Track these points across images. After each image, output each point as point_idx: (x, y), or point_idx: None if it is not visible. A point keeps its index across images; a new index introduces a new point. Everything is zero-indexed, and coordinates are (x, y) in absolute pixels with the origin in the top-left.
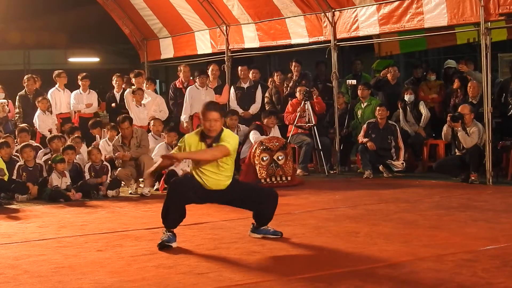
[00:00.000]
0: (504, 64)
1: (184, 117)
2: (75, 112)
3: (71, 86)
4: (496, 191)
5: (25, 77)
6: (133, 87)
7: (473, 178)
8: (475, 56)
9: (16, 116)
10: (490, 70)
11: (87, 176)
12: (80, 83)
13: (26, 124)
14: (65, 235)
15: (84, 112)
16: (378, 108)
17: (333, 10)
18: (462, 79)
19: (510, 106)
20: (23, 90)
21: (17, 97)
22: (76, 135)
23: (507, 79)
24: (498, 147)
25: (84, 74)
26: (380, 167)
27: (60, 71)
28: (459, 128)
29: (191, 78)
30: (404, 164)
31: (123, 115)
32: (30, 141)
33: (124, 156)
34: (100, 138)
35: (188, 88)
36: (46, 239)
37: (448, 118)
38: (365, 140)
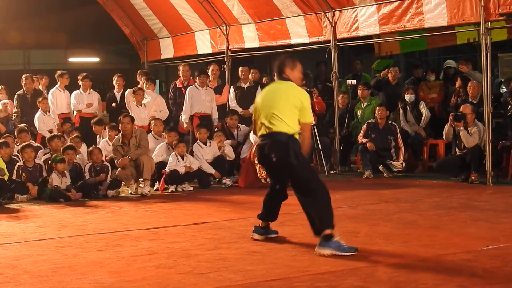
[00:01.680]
0: (504, 64)
1: (184, 118)
2: (75, 112)
3: (72, 86)
4: (496, 191)
5: (23, 76)
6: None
7: (473, 178)
8: (475, 56)
9: (14, 116)
10: (490, 70)
11: (87, 176)
12: (80, 83)
13: (25, 124)
14: (65, 235)
15: (84, 112)
16: (378, 108)
17: (333, 10)
18: (464, 79)
19: (510, 106)
20: (21, 90)
21: (15, 97)
22: (75, 135)
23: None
24: (498, 147)
25: (85, 74)
26: (380, 167)
27: (64, 71)
28: (461, 128)
29: (191, 78)
30: (404, 164)
31: (125, 113)
32: (30, 141)
33: (124, 164)
34: (101, 137)
35: (188, 88)
36: (46, 239)
37: (451, 117)
38: (364, 140)
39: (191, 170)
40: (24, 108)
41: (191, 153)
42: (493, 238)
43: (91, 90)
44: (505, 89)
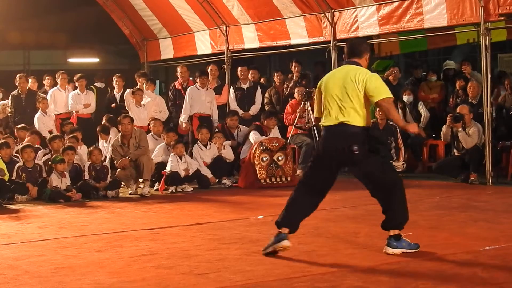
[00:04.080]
0: (504, 64)
1: (183, 117)
2: (72, 113)
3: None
4: (496, 191)
5: (17, 76)
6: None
7: (472, 178)
8: (474, 57)
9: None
10: (490, 71)
11: (86, 175)
12: (76, 83)
13: (23, 125)
14: (65, 236)
15: (82, 112)
16: (378, 108)
17: (332, 11)
18: (465, 79)
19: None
20: (16, 90)
21: (10, 97)
22: (71, 135)
23: None
24: (498, 147)
25: (80, 74)
26: None
27: (62, 71)
28: (459, 129)
29: (191, 78)
30: (404, 164)
31: (124, 113)
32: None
33: (124, 164)
34: (106, 143)
35: (188, 89)
36: (46, 240)
37: (449, 118)
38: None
39: (188, 172)
40: (18, 108)
41: (190, 154)
42: (493, 239)
43: (88, 90)
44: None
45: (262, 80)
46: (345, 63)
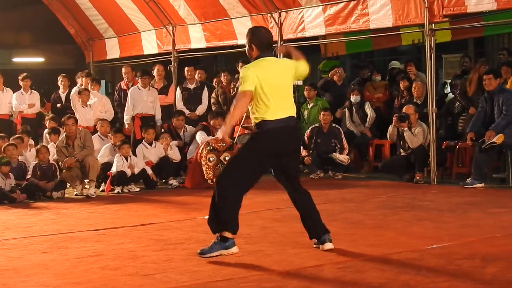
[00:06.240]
0: (448, 65)
1: (126, 118)
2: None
3: (16, 86)
4: (440, 190)
5: None
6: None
7: (418, 178)
8: (419, 57)
9: None
10: (434, 71)
11: (30, 175)
12: (21, 83)
13: None
14: (9, 237)
15: (26, 112)
16: (322, 112)
17: (279, 11)
18: (409, 80)
19: (457, 104)
20: None
21: None
22: (17, 135)
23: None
24: (443, 147)
25: (25, 74)
26: (330, 172)
27: None
28: (405, 128)
29: (136, 78)
30: (349, 159)
31: (68, 114)
32: None
33: (71, 163)
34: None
35: (130, 89)
36: None
37: (395, 118)
38: (304, 154)
39: (132, 168)
40: None
41: (135, 154)
42: (437, 237)
43: (32, 90)
44: (449, 90)
45: (215, 81)
46: (269, 56)
